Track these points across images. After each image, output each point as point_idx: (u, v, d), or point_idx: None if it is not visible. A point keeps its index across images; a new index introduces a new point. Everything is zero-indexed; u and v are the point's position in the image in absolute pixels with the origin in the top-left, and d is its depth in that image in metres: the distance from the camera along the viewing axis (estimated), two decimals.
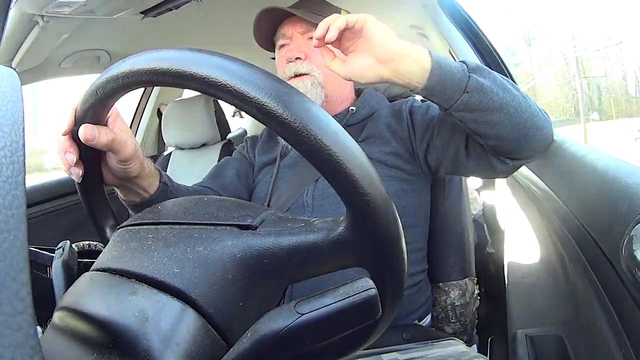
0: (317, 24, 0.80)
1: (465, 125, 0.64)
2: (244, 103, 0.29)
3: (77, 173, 0.46)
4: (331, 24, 0.59)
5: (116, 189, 0.59)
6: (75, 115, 0.44)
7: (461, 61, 0.63)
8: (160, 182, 0.63)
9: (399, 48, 0.59)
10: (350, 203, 0.31)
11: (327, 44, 0.60)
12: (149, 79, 0.32)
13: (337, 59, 0.63)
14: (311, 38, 0.81)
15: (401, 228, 0.32)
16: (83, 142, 0.44)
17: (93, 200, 0.49)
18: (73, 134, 0.45)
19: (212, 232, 0.35)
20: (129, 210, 0.64)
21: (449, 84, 0.60)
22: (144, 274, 0.32)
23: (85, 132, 0.44)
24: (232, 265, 0.33)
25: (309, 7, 0.84)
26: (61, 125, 0.45)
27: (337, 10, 0.86)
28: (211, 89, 0.30)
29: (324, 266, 0.34)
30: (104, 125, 0.47)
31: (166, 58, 0.31)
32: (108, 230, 0.48)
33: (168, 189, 0.65)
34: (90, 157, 0.47)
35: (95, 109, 0.42)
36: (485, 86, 0.61)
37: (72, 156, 0.45)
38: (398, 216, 0.32)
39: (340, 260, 0.33)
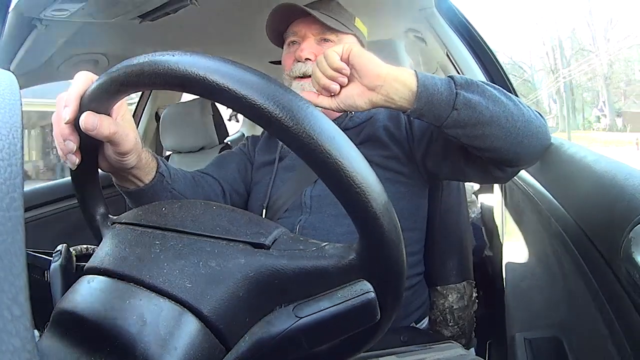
0: (333, 28, 0.81)
1: (459, 140, 0.64)
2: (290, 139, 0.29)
3: (73, 161, 0.44)
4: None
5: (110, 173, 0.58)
6: (80, 103, 0.42)
7: (449, 76, 0.63)
8: (157, 172, 0.64)
9: (387, 72, 0.60)
10: (366, 234, 0.31)
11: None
12: (164, 82, 0.31)
13: (322, 96, 0.64)
14: (323, 40, 0.82)
15: (404, 249, 0.33)
16: (83, 131, 0.42)
17: (85, 186, 0.47)
18: (75, 121, 0.43)
19: (224, 247, 0.35)
20: (124, 196, 0.64)
21: (436, 103, 0.60)
22: (153, 284, 0.32)
23: (87, 121, 0.41)
24: (243, 283, 0.33)
25: (326, 9, 0.83)
26: (65, 112, 0.42)
27: (352, 17, 0.86)
28: (247, 110, 0.29)
29: (330, 287, 0.34)
30: (108, 115, 0.45)
31: (202, 66, 0.30)
32: (98, 218, 0.46)
33: (164, 180, 0.66)
34: (89, 144, 0.45)
35: (105, 100, 0.41)
36: (474, 101, 0.61)
37: (72, 144, 0.43)
38: (402, 238, 0.33)
39: (346, 282, 0.34)
